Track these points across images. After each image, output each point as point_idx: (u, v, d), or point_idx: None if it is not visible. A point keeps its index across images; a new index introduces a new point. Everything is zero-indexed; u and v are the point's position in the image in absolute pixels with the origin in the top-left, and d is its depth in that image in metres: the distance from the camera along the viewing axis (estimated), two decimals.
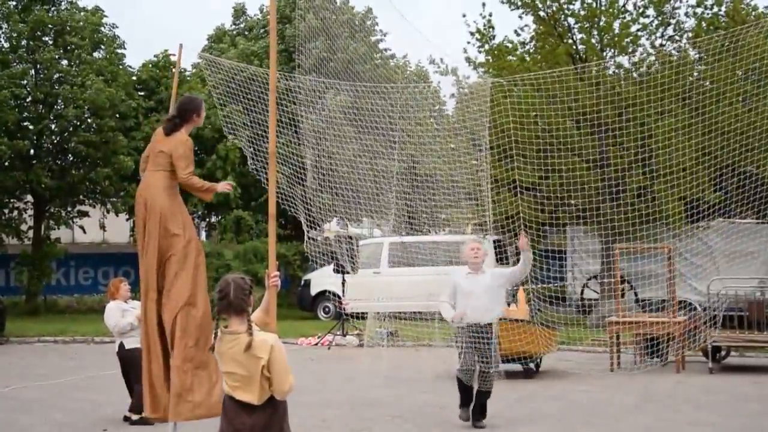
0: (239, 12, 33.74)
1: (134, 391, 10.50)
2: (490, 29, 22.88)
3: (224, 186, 8.42)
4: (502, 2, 22.45)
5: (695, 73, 21.93)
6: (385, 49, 33.51)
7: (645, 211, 22.19)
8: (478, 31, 22.88)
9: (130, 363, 10.67)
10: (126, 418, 10.70)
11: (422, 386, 13.57)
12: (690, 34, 21.89)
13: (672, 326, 15.25)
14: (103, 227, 29.30)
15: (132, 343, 10.68)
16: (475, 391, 10.24)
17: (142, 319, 8.24)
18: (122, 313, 10.94)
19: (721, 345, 15.37)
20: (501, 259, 25.22)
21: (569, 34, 22.52)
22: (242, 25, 33.35)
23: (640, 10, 22.29)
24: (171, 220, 7.89)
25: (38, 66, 26.11)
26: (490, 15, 22.91)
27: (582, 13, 22.22)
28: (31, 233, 27.40)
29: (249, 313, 5.45)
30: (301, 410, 11.40)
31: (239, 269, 21.96)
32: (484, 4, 22.80)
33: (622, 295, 18.49)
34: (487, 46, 22.94)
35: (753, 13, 22.68)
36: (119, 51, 27.90)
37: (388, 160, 30.32)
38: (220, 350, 5.43)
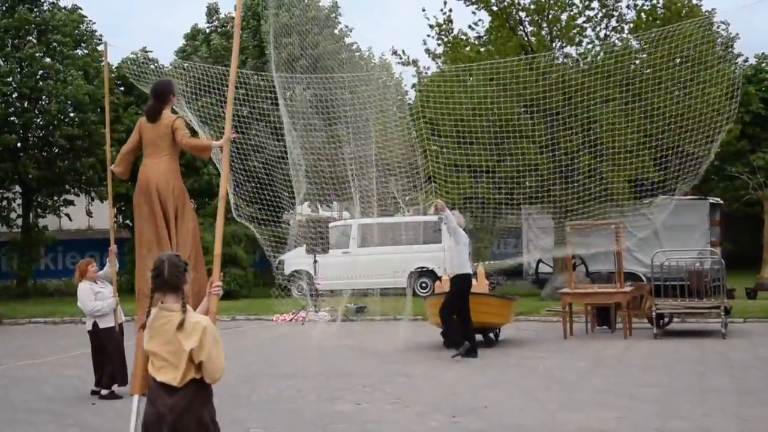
0: (212, 11, 33.38)
1: (105, 367, 10.50)
2: (449, 23, 22.75)
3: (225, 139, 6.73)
4: None
5: (636, 62, 21.97)
6: (351, 44, 33.27)
7: (593, 190, 22.28)
8: (438, 24, 22.73)
9: (103, 342, 10.63)
10: (94, 392, 10.60)
11: (391, 357, 13.51)
12: (631, 25, 21.90)
13: (619, 296, 15.35)
14: (89, 214, 29.02)
15: (105, 322, 10.67)
16: None
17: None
18: (94, 294, 10.79)
19: (664, 312, 15.47)
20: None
21: (520, 27, 22.45)
22: (215, 23, 33.00)
23: (586, 3, 22.28)
24: (186, 199, 7.70)
25: (23, 63, 25.70)
26: (450, 11, 22.84)
27: (532, 7, 22.17)
28: (20, 221, 27.11)
29: (184, 291, 5.00)
30: (278, 382, 11.32)
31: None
32: (445, 2, 22.71)
33: (574, 269, 18.55)
34: (445, 39, 22.80)
35: (687, 4, 22.68)
36: (99, 49, 27.55)
37: (354, 148, 30.21)
38: (152, 326, 4.94)
